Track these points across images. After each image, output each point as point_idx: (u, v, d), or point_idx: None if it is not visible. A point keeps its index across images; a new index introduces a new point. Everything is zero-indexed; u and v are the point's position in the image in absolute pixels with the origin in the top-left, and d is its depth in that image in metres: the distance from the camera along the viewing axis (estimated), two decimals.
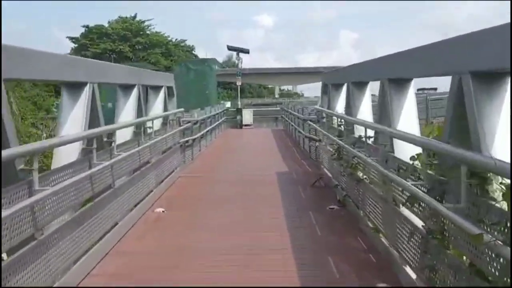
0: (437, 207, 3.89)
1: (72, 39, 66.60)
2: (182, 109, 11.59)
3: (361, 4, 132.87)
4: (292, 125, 20.67)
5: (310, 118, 12.99)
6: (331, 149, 10.04)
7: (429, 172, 4.41)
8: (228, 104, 30.98)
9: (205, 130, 17.13)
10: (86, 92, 6.12)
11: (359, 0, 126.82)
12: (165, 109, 10.76)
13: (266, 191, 10.04)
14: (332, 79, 11.34)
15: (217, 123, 21.75)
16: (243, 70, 32.79)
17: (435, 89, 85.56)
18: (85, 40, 64.10)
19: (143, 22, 66.36)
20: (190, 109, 17.99)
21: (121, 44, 63.85)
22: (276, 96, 74.65)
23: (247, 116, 28.93)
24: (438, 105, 28.19)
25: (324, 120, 10.98)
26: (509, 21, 3.55)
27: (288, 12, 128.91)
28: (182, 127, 11.48)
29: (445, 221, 4.05)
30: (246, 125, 28.84)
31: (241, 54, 30.79)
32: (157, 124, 10.40)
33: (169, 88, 11.25)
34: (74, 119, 5.95)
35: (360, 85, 9.05)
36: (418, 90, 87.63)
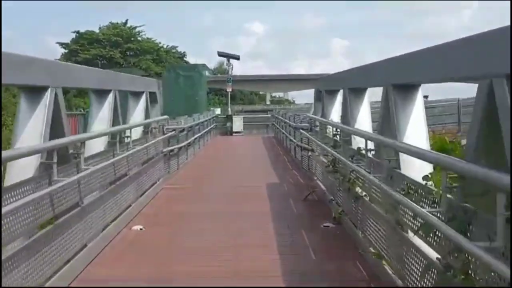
0: (463, 244, 3.09)
1: (62, 44, 65.72)
2: (165, 117, 10.75)
3: (352, 12, 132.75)
4: (283, 133, 19.89)
5: (302, 126, 12.22)
6: (325, 160, 9.26)
7: (449, 196, 3.61)
8: (218, 111, 30.15)
9: (192, 138, 16.30)
10: (47, 98, 5.27)
11: (351, 8, 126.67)
12: (147, 116, 9.91)
13: (255, 206, 9.20)
14: (327, 85, 10.55)
15: (205, 130, 20.93)
16: (234, 76, 32.03)
17: (426, 97, 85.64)
18: (76, 45, 63.20)
19: (134, 28, 65.56)
20: (179, 115, 17.23)
21: (112, 50, 63.00)
22: (268, 102, 74.01)
23: (237, 123, 28.14)
24: (429, 113, 27.68)
25: (317, 128, 10.20)
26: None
27: (279, 20, 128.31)
28: (165, 136, 10.65)
29: (471, 259, 3.25)
30: (236, 132, 28.02)
31: (231, 61, 30.02)
32: (137, 133, 9.57)
33: (152, 94, 10.43)
34: (32, 129, 5.11)
35: (358, 92, 8.26)
36: None
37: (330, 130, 9.09)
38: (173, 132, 11.18)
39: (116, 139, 7.37)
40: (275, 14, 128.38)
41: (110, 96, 7.76)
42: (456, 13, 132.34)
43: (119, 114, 8.19)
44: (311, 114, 12.12)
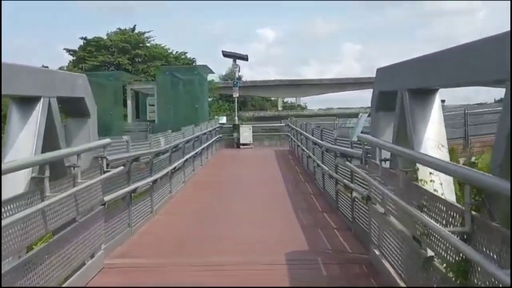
0: None
1: (69, 51, 61.63)
2: (106, 141, 5.67)
3: (364, 17, 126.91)
4: (302, 149, 14.81)
5: (348, 152, 7.08)
6: (404, 230, 4.29)
7: None
8: (223, 120, 25.14)
9: (181, 161, 11.29)
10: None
11: (363, 13, 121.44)
12: (50, 144, 4.66)
13: None
14: (414, 79, 4.98)
15: (204, 145, 15.91)
16: (244, 82, 27.12)
17: (443, 101, 79.91)
18: (83, 52, 59.08)
19: (143, 34, 61.23)
20: (176, 127, 12.39)
21: (119, 56, 58.74)
22: (279, 108, 69.14)
23: (246, 133, 23.03)
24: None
25: (386, 164, 5.06)
26: None
27: (290, 25, 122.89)
28: (106, 175, 5.62)
29: None
30: (244, 145, 22.98)
31: (240, 62, 24.85)
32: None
33: (73, 102, 5.27)
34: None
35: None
36: None
37: (428, 174, 4.03)
38: (120, 168, 6.08)
39: None
40: (286, 20, 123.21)
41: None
42: (469, 15, 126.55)
43: None
44: (358, 130, 6.96)
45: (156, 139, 9.22)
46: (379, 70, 5.53)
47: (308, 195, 10.61)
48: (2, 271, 3.39)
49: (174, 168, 10.50)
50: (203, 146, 15.04)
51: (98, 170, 5.60)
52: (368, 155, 5.87)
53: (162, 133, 9.86)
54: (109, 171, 5.77)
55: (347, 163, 6.19)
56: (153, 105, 21.67)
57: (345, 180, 7.60)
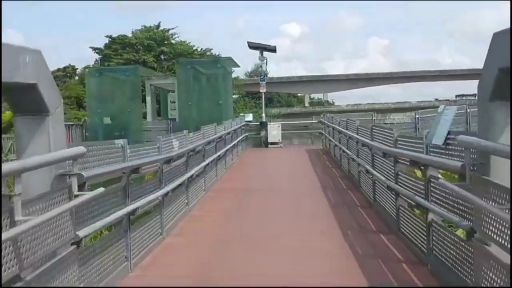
0: None
1: (95, 49, 60.61)
2: (76, 150, 3.73)
3: (389, 11, 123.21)
4: (342, 150, 12.71)
5: (420, 158, 4.88)
6: None
7: None
8: (250, 117, 23.10)
9: (198, 167, 9.33)
10: None
11: (388, 7, 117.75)
12: None
13: None
14: None
15: (229, 146, 13.93)
16: (271, 79, 25.00)
17: (474, 95, 76.04)
18: (109, 50, 57.98)
19: (167, 30, 59.79)
20: (194, 127, 10.53)
21: (144, 54, 57.50)
22: (306, 104, 66.98)
23: (274, 131, 20.95)
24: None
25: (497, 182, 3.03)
26: None
27: (315, 20, 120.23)
28: (75, 202, 3.68)
29: None
30: (272, 144, 20.92)
31: (267, 54, 22.70)
32: None
33: (26, 92, 3.34)
34: None
35: None
36: (456, 96, 78.19)
37: None
38: (97, 191, 4.09)
39: None
40: (311, 15, 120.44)
41: None
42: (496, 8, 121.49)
43: None
44: (443, 129, 4.86)
45: (168, 141, 7.26)
46: (499, 36, 3.41)
47: (355, 207, 8.52)
48: None
49: (192, 176, 8.54)
50: (227, 147, 13.03)
51: (63, 195, 3.65)
52: (474, 168, 3.78)
53: (175, 134, 7.90)
54: (83, 194, 3.81)
55: (446, 182, 4.06)
56: (174, 102, 19.84)
57: (417, 197, 5.48)
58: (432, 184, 5.08)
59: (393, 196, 6.81)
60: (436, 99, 76.57)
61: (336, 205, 8.66)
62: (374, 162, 8.12)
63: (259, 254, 6.01)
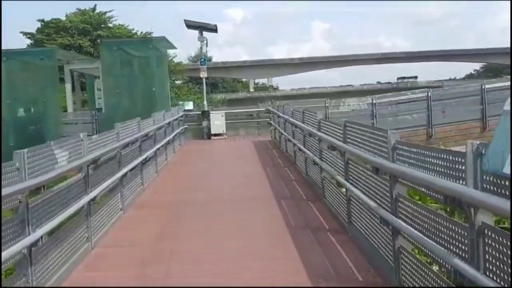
0: None
1: (26, 34, 55.71)
2: None
3: None
4: (298, 147, 10.41)
5: (464, 195, 2.71)
6: None
7: None
8: (190, 105, 20.46)
9: (120, 173, 6.75)
10: None
11: None
12: None
13: None
14: None
15: (163, 142, 11.34)
16: (215, 64, 22.31)
17: (416, 77, 76.02)
18: (41, 35, 53.39)
19: (104, 13, 55.68)
20: (123, 119, 8.01)
21: (80, 38, 53.26)
22: (251, 90, 64.75)
23: (218, 121, 18.41)
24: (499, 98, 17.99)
25: None
26: None
27: (257, 5, 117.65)
28: None
29: None
30: (216, 135, 18.42)
31: (208, 35, 19.93)
32: None
33: None
34: None
35: None
36: (397, 79, 78.02)
37: None
38: None
39: None
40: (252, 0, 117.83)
41: None
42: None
43: None
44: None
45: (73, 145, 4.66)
46: None
47: (322, 230, 6.22)
48: None
49: (95, 197, 5.96)
50: (157, 146, 10.40)
51: None
52: None
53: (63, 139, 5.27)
54: None
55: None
56: (101, 90, 16.92)
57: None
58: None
59: (375, 220, 4.53)
60: (378, 82, 76.28)
61: (296, 226, 6.33)
62: (347, 169, 5.84)
63: None
